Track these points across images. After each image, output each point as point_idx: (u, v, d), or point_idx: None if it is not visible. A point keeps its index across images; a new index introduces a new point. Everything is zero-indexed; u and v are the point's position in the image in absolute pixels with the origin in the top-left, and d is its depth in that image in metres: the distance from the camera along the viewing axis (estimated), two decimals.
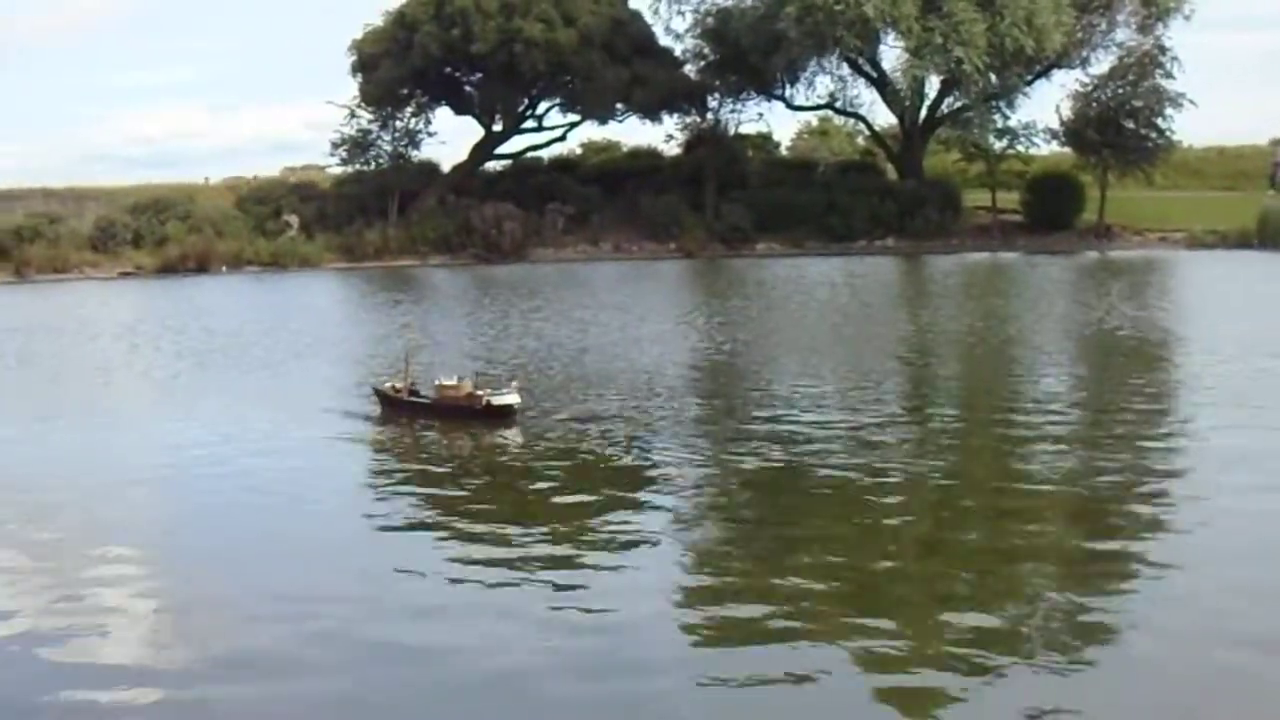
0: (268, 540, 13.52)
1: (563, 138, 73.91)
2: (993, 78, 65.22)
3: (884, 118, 75.13)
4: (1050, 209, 67.53)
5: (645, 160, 74.96)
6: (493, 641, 10.03)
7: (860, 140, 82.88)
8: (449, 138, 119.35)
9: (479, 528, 13.38)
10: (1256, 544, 12.04)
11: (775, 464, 15.69)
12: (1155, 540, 12.22)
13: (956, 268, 54.95)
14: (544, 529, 13.18)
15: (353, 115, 69.66)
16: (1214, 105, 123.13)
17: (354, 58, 69.24)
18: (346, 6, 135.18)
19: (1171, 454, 16.02)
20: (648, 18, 70.50)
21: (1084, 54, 68.23)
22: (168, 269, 62.95)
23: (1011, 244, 65.52)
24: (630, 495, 14.62)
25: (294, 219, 67.73)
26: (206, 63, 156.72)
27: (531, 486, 15.23)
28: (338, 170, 72.59)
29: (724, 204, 67.63)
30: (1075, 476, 14.68)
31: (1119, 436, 16.90)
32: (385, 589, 11.43)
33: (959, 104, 69.19)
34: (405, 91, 69.40)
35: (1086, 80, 68.35)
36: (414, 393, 20.19)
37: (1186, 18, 67.01)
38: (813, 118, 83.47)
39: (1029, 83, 68.90)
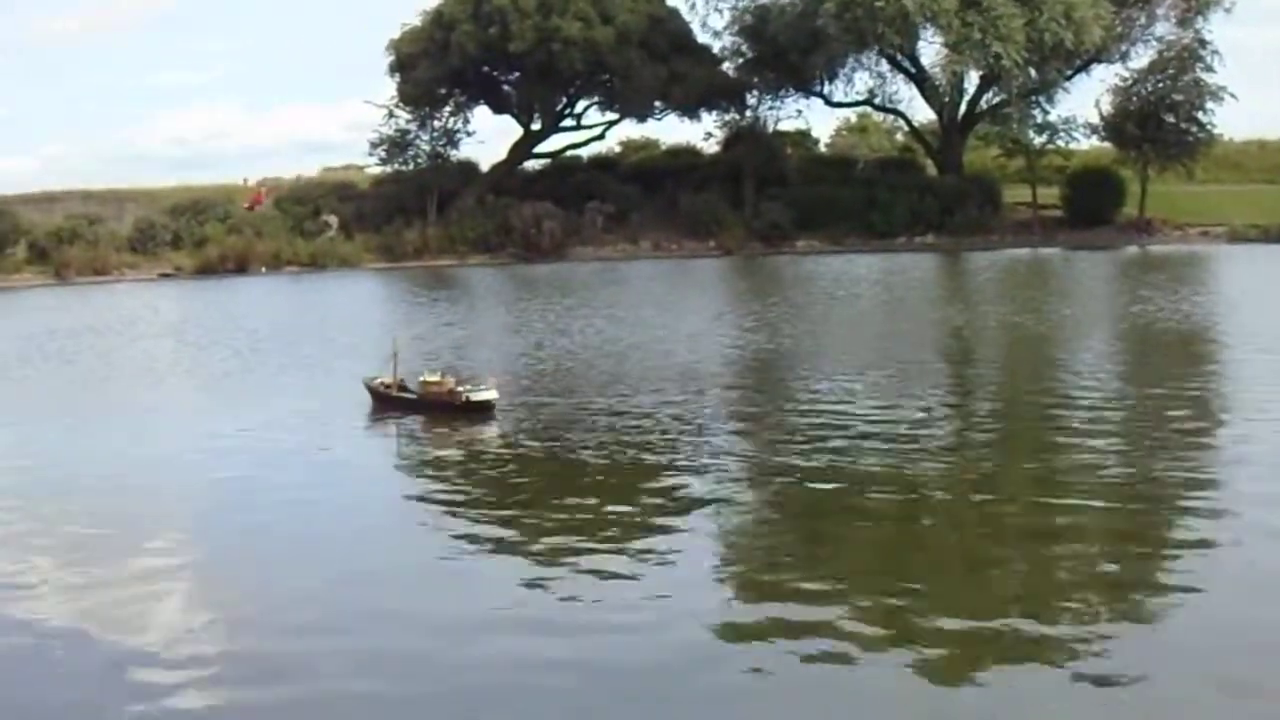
0: (301, 543, 13.58)
1: (601, 136, 74.28)
2: (1032, 72, 65.00)
3: (923, 114, 75.24)
4: (1090, 204, 67.17)
5: (684, 158, 75.09)
6: (527, 639, 10.03)
7: (899, 136, 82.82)
8: (487, 137, 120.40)
9: (523, 518, 13.39)
10: None
11: (815, 461, 15.52)
12: (1195, 548, 11.89)
13: (997, 263, 54.58)
14: (587, 532, 13.01)
15: (391, 115, 70.15)
16: (1254, 98, 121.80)
17: (392, 57, 69.73)
18: (384, 6, 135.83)
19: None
20: (685, 15, 70.81)
21: (1123, 48, 67.90)
22: (207, 270, 63.23)
23: (1052, 240, 65.20)
24: (668, 490, 14.56)
25: (333, 219, 68.13)
26: (244, 63, 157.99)
27: (580, 482, 15.20)
28: (376, 170, 73.13)
29: (763, 201, 67.56)
30: (1120, 483, 14.15)
31: (1174, 434, 16.67)
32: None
33: (998, 99, 68.98)
34: (443, 91, 69.66)
35: (1126, 74, 68.25)
36: (404, 388, 20.88)
37: (1227, 10, 66.90)
38: (851, 114, 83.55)
39: (1068, 77, 68.58)
